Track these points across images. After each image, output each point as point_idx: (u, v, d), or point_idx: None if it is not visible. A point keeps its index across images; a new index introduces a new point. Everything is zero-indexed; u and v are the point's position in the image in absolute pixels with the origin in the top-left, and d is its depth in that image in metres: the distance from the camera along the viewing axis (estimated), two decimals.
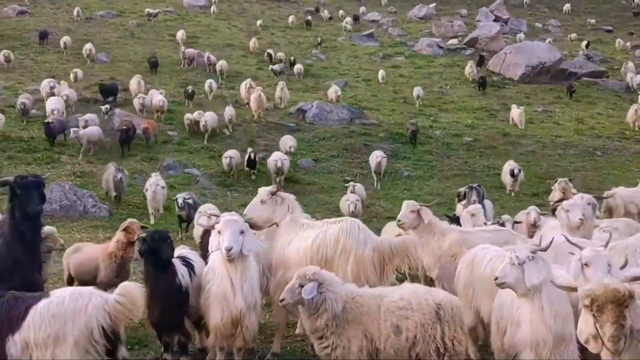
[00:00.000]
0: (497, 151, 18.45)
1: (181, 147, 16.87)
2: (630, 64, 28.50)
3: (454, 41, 33.61)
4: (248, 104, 19.94)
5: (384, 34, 35.84)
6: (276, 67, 26.18)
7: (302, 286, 4.32)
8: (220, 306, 4.78)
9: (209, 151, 16.76)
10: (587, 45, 32.87)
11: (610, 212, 9.90)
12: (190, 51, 26.04)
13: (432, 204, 7.27)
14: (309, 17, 37.01)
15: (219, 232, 4.77)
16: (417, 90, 23.11)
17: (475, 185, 10.76)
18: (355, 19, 37.64)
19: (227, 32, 32.67)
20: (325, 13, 39.37)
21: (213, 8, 36.20)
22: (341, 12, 39.35)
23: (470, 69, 26.66)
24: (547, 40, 32.92)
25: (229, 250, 4.62)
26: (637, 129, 20.65)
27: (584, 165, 17.29)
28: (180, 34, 28.51)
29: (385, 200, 14.24)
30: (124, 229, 6.28)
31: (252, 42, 29.37)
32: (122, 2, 35.79)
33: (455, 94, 25.05)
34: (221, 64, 24.85)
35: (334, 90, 21.83)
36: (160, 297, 4.84)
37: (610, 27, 40.20)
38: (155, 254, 4.84)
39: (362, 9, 41.46)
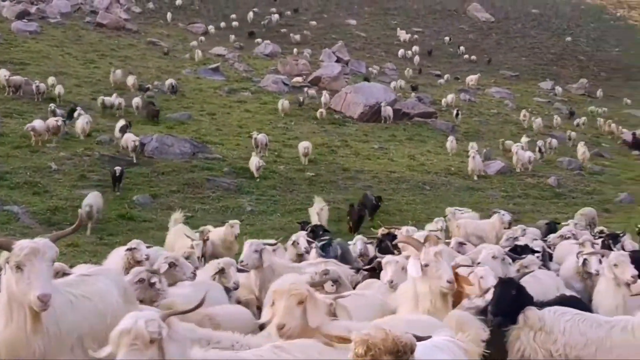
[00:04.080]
0: (337, 185, 19.31)
1: (1, 182, 15.56)
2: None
3: (299, 79, 34.92)
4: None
5: (230, 68, 36.22)
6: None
7: None
8: None
9: (32, 187, 15.62)
10: (414, 88, 36.00)
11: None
12: (17, 78, 24.29)
13: (276, 243, 7.42)
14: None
15: None
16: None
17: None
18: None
19: (60, 60, 31.01)
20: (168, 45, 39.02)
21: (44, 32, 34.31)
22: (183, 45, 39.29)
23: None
24: (394, 85, 35.45)
25: None
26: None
27: (414, 198, 18.64)
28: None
29: None
30: None
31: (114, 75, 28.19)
32: None
33: (299, 130, 25.90)
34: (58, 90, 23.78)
35: None
36: None
37: (439, 72, 44.24)
38: None
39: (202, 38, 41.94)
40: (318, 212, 14.52)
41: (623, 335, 4.60)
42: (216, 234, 10.32)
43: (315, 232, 10.08)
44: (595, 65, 55.86)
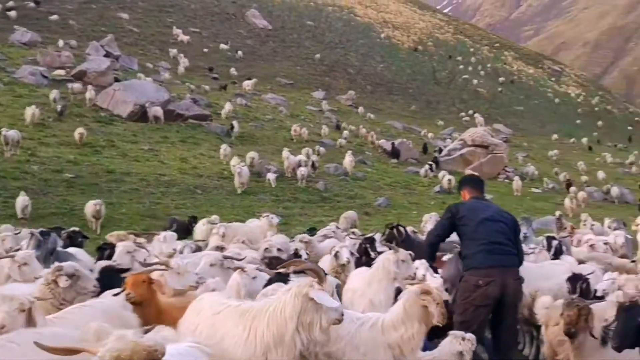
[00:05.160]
0: (100, 188, 18.34)
1: None
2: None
3: (61, 72, 32.50)
4: None
5: None
6: None
7: None
8: None
9: None
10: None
11: None
12: None
13: None
14: None
15: None
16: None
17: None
18: None
19: None
20: None
21: None
22: None
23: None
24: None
25: None
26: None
27: (185, 202, 18.48)
28: None
29: None
30: None
31: None
32: None
33: (58, 128, 24.09)
34: None
35: None
36: None
37: (216, 75, 44.58)
38: None
39: None
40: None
41: (371, 332, 4.70)
42: None
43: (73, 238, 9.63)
44: (363, 79, 61.16)
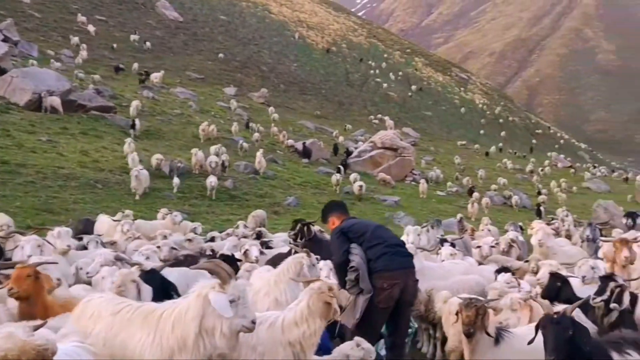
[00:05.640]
0: None
1: None
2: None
3: None
4: None
5: None
6: None
7: None
8: None
9: None
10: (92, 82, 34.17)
11: None
12: None
13: None
14: None
15: None
16: None
17: None
18: None
19: None
20: None
21: None
22: None
23: None
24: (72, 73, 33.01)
25: None
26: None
27: (84, 197, 17.75)
28: None
29: None
30: None
31: None
32: None
33: None
34: None
35: None
36: None
37: (122, 65, 43.10)
38: None
39: None
40: None
41: (270, 332, 4.68)
42: None
43: None
44: (276, 77, 61.17)
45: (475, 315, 4.99)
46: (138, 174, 19.19)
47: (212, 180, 21.42)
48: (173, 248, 8.66)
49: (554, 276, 6.52)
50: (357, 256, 5.61)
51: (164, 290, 4.92)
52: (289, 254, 7.78)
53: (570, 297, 6.11)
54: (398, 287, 5.54)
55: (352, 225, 5.89)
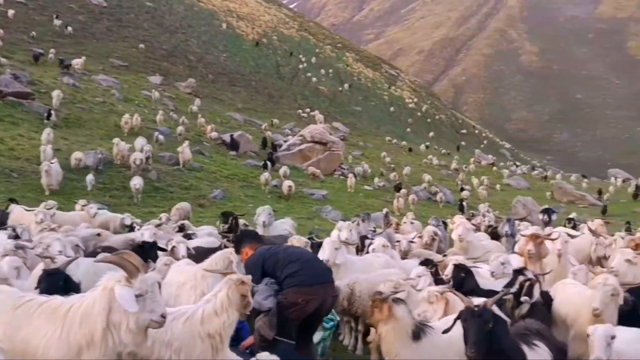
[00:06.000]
0: None
1: None
2: None
3: None
4: None
5: None
6: None
7: None
8: None
9: None
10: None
11: None
12: None
13: None
14: None
15: None
16: None
17: None
18: None
19: None
20: None
21: None
22: None
23: None
24: None
25: None
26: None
27: None
28: None
29: None
30: None
31: None
32: None
33: None
34: None
35: None
36: None
37: (42, 50, 41.31)
38: None
39: None
40: None
41: (187, 326, 4.63)
42: None
43: None
44: (204, 67, 60.20)
45: (380, 307, 5.04)
46: (48, 169, 17.97)
47: (136, 183, 19.98)
48: (77, 245, 8.36)
49: (458, 267, 6.72)
50: (271, 298, 5.51)
51: (66, 292, 4.73)
52: (219, 248, 7.75)
53: (473, 288, 6.32)
54: (315, 302, 5.50)
55: (262, 251, 5.81)
